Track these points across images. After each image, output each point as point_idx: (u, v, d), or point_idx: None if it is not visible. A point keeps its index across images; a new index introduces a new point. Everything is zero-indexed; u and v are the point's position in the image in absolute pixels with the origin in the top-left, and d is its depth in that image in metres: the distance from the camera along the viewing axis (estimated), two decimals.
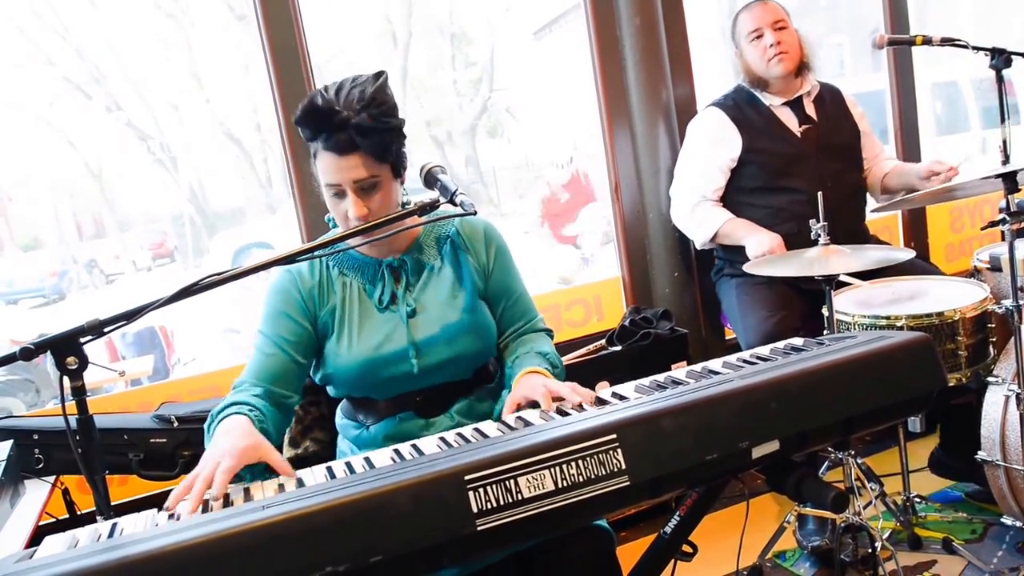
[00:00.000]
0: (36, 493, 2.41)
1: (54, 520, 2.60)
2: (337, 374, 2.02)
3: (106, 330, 1.56)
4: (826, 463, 3.07)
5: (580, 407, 1.70)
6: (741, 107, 3.28)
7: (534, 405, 1.81)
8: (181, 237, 8.80)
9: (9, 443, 2.36)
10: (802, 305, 3.07)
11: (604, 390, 1.83)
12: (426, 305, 2.03)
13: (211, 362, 6.19)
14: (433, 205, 1.81)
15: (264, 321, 2.01)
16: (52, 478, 2.52)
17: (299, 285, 2.02)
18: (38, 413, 3.01)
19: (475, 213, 1.77)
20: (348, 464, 1.62)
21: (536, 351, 2.07)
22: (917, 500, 3.00)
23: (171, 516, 1.50)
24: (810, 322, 2.99)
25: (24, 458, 2.51)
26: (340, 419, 2.17)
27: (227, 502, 1.53)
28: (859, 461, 2.73)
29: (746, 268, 2.67)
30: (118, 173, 8.03)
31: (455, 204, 1.79)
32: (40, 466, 2.55)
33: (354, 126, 1.82)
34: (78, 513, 2.65)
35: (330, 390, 2.11)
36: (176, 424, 2.64)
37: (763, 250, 3.01)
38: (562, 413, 1.70)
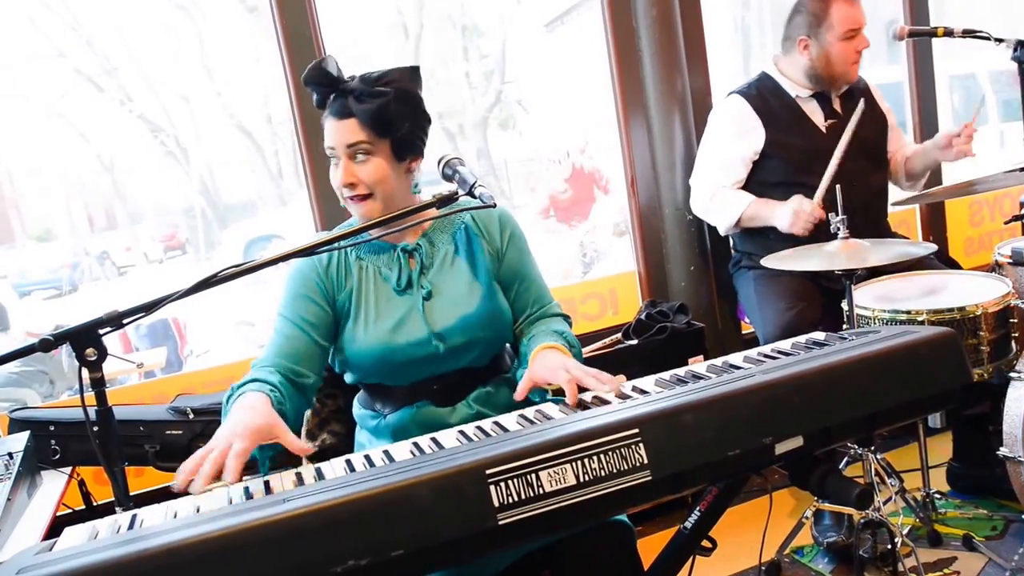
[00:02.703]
0: (53, 484, 2.40)
1: (71, 511, 2.60)
2: (355, 357, 2.02)
3: (125, 322, 1.56)
4: (845, 459, 3.05)
5: (601, 401, 1.69)
6: (765, 97, 3.22)
7: (558, 394, 1.80)
8: (192, 229, 8.81)
9: (26, 434, 2.36)
10: (821, 298, 3.05)
11: (641, 379, 1.82)
12: (442, 288, 2.04)
13: (224, 355, 6.19)
14: (452, 197, 1.81)
15: (284, 303, 2.03)
16: (68, 469, 2.52)
17: (318, 268, 2.04)
18: (54, 404, 3.02)
19: (495, 206, 1.77)
20: (367, 457, 1.61)
21: (552, 329, 2.06)
22: (937, 496, 2.98)
23: (181, 495, 1.52)
24: (829, 315, 2.96)
25: (41, 449, 2.51)
26: (357, 410, 2.16)
27: (248, 494, 1.52)
28: (879, 457, 2.71)
29: (764, 262, 2.64)
30: (130, 165, 8.04)
31: (474, 196, 1.79)
32: (56, 457, 2.55)
33: (352, 91, 1.91)
34: (94, 504, 2.65)
35: (347, 377, 2.11)
36: (192, 416, 2.64)
37: (790, 219, 2.97)
38: (583, 407, 1.68)
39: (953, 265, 3.28)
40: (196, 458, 1.56)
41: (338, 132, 1.93)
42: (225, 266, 1.62)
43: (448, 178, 1.90)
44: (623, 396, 1.70)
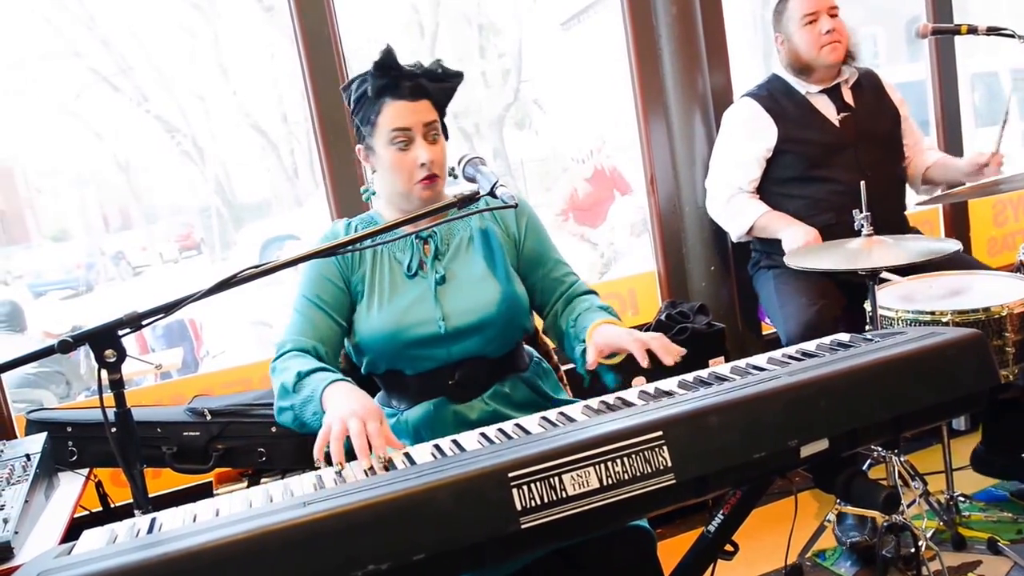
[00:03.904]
0: (70, 486, 2.40)
1: (88, 513, 2.59)
2: (366, 339, 2.02)
3: (144, 323, 1.55)
4: (868, 461, 3.02)
5: (624, 402, 1.67)
6: (776, 97, 3.21)
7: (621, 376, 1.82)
8: (208, 229, 8.82)
9: (43, 436, 2.36)
10: (841, 297, 3.01)
11: (640, 386, 1.80)
12: (456, 273, 2.06)
13: (240, 355, 6.19)
14: (473, 197, 1.81)
15: (304, 285, 2.06)
16: (86, 471, 2.52)
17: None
18: (71, 405, 3.01)
19: (516, 206, 1.76)
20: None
21: (598, 306, 2.07)
22: (961, 499, 2.95)
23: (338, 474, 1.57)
24: (850, 315, 2.93)
25: (58, 451, 2.51)
26: None
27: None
28: (902, 459, 2.68)
29: (786, 261, 2.62)
30: (145, 165, 8.06)
31: (495, 196, 1.78)
32: (74, 459, 2.55)
33: (425, 72, 1.99)
34: (112, 506, 2.64)
35: (362, 367, 2.11)
36: (209, 417, 2.63)
37: (799, 244, 2.95)
38: (609, 408, 1.66)
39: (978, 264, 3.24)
40: (336, 440, 1.59)
41: (414, 112, 1.97)
42: (245, 267, 1.60)
43: (469, 178, 1.90)
44: (646, 397, 1.68)
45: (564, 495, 1.34)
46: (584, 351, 1.92)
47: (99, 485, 2.60)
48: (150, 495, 2.92)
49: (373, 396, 2.18)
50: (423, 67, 2.00)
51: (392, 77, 1.97)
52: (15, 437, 2.87)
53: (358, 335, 2.04)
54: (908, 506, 2.57)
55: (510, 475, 1.33)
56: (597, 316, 1.99)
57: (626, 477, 1.37)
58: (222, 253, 8.59)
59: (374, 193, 2.15)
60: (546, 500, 1.33)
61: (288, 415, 1.89)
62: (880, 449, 2.62)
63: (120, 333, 1.52)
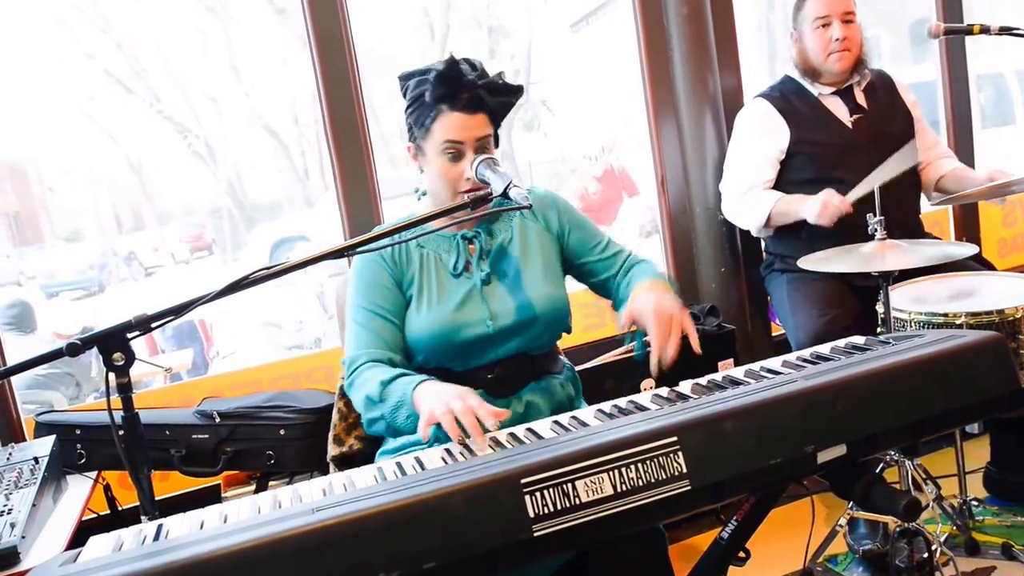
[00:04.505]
0: (78, 489, 2.40)
1: (96, 516, 2.59)
2: (418, 339, 2.04)
3: (153, 325, 1.53)
4: (881, 465, 2.99)
5: (638, 406, 1.65)
6: (788, 98, 3.19)
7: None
8: (219, 230, 8.84)
9: (51, 439, 2.35)
10: (854, 302, 2.98)
11: (649, 391, 1.79)
12: (500, 273, 2.09)
13: (250, 356, 6.20)
14: (486, 198, 1.80)
15: (361, 295, 2.07)
16: (94, 474, 2.51)
17: (383, 255, 2.08)
18: (80, 408, 3.01)
19: (530, 207, 1.75)
20: (399, 464, 1.58)
21: (651, 273, 2.10)
22: (974, 503, 2.91)
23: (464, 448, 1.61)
24: (862, 319, 2.90)
25: (66, 453, 2.51)
26: None
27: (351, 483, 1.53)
28: (915, 462, 2.65)
29: (801, 263, 2.59)
30: (157, 166, 8.07)
31: (508, 197, 1.77)
32: (82, 461, 2.55)
33: (484, 86, 1.97)
34: (119, 509, 2.64)
35: (412, 363, 2.11)
36: (218, 420, 2.62)
37: (819, 210, 2.89)
38: (622, 412, 1.64)
39: (987, 266, 3.21)
40: (446, 421, 1.63)
41: (469, 126, 1.97)
42: (256, 268, 1.58)
43: (482, 178, 1.89)
44: (660, 401, 1.66)
45: (578, 502, 1.32)
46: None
47: (107, 488, 2.60)
48: (158, 497, 2.93)
49: None
50: (486, 76, 1.99)
51: (450, 88, 1.96)
52: (24, 439, 2.87)
53: (410, 335, 2.05)
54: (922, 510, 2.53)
55: (523, 481, 1.31)
56: (643, 279, 2.03)
57: (641, 483, 1.36)
58: (233, 254, 8.60)
59: (424, 193, 2.16)
60: (559, 507, 1.31)
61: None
62: (893, 453, 2.59)
63: (129, 336, 1.51)
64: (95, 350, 1.50)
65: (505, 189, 1.78)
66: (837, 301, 2.97)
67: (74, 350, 1.47)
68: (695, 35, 3.45)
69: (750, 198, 3.19)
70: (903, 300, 2.69)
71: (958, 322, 2.49)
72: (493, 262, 2.10)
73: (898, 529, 2.49)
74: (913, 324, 2.55)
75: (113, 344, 1.49)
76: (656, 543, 1.82)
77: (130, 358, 1.51)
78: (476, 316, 2.02)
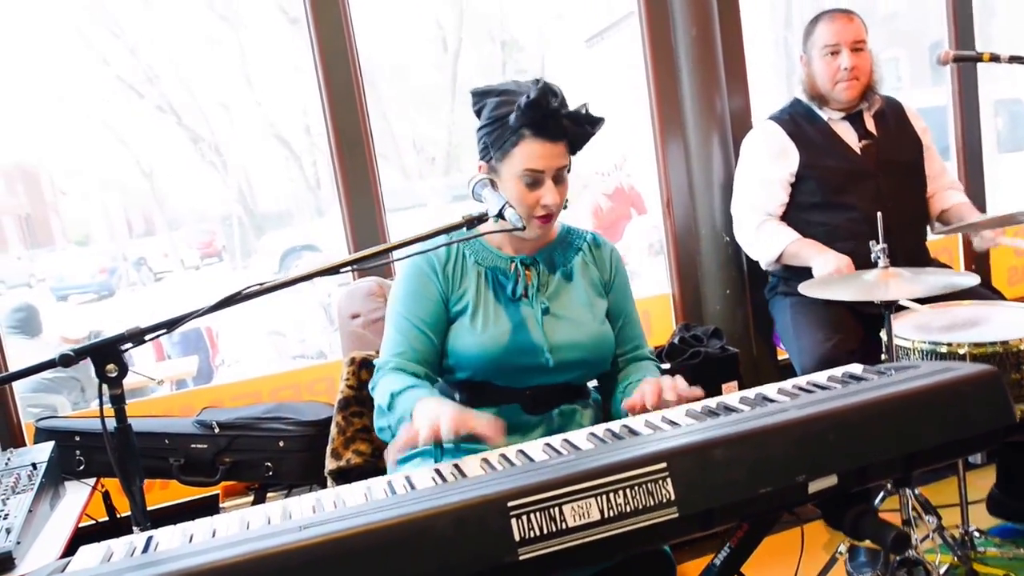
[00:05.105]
0: (76, 495, 2.40)
1: (95, 522, 2.59)
2: (469, 355, 2.05)
3: (146, 338, 1.54)
4: (881, 493, 2.97)
5: (630, 431, 1.65)
6: (798, 122, 3.19)
7: None
8: (229, 237, 8.88)
9: (50, 445, 2.36)
10: (859, 328, 2.97)
11: (670, 409, 1.80)
12: (560, 305, 2.10)
13: (255, 366, 6.21)
14: (481, 219, 1.80)
15: (403, 303, 2.09)
16: (92, 480, 2.52)
17: (435, 266, 2.09)
18: (80, 414, 3.02)
19: (523, 228, 1.77)
20: (390, 484, 1.58)
21: (654, 373, 2.12)
22: (976, 534, 2.89)
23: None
24: (867, 345, 2.89)
25: (65, 459, 2.51)
26: None
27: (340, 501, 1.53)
28: (916, 492, 2.63)
29: (801, 289, 2.58)
30: (168, 172, 8.12)
31: (503, 218, 1.77)
32: (81, 468, 2.56)
33: (569, 115, 1.97)
34: (118, 516, 2.64)
35: (453, 377, 2.13)
36: (217, 430, 2.63)
37: (830, 270, 2.91)
38: (615, 437, 1.64)
39: (996, 295, 3.20)
40: (407, 435, 1.71)
41: (550, 156, 1.98)
42: (249, 284, 1.59)
43: (479, 198, 1.89)
44: (653, 427, 1.66)
45: (564, 526, 1.31)
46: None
47: (107, 495, 2.60)
48: (159, 506, 2.95)
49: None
50: (566, 106, 1.98)
51: (537, 115, 1.95)
52: (24, 444, 2.88)
53: (459, 351, 2.06)
54: (921, 540, 2.52)
55: (509, 504, 1.30)
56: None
57: (628, 509, 1.35)
58: (243, 261, 8.64)
59: (500, 215, 2.14)
60: (546, 531, 1.30)
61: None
62: (894, 487, 2.57)
63: (122, 348, 1.52)
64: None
65: (500, 210, 1.78)
66: (841, 326, 2.96)
67: (67, 360, 1.48)
68: (703, 57, 3.45)
69: (766, 231, 3.19)
70: (907, 328, 2.68)
71: (961, 352, 2.47)
72: (554, 294, 2.11)
73: (898, 559, 2.48)
74: (916, 353, 2.54)
75: (106, 356, 1.50)
76: (665, 567, 1.84)
77: (123, 370, 1.52)
78: (534, 345, 2.04)
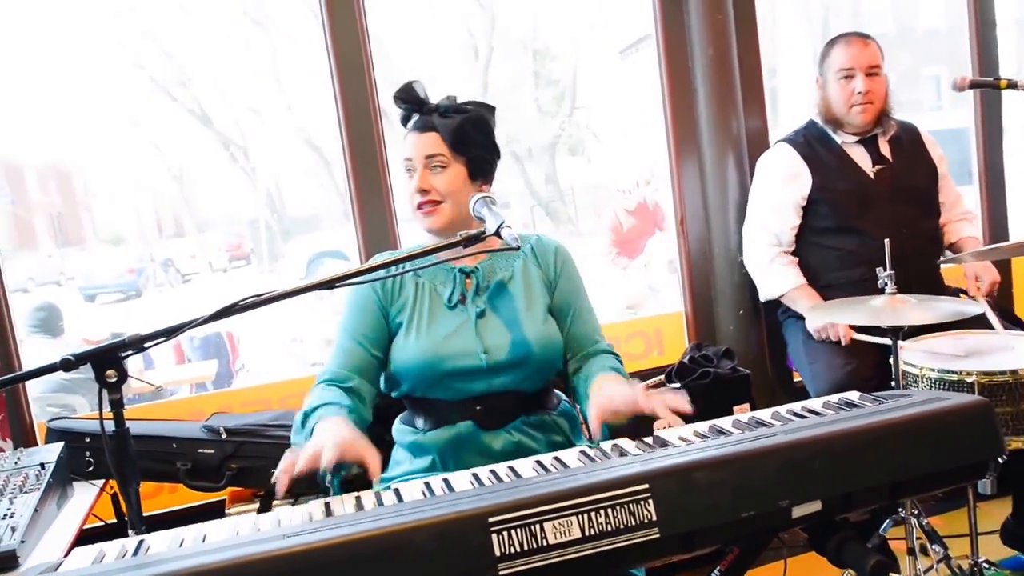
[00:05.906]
0: (84, 496, 2.42)
1: (103, 524, 2.62)
2: (403, 367, 2.07)
3: (146, 345, 1.57)
4: (888, 520, 2.95)
5: (620, 451, 1.66)
6: (812, 144, 3.18)
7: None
8: (257, 241, 8.94)
9: (60, 445, 2.39)
10: (874, 353, 2.95)
11: (663, 431, 1.80)
12: (496, 308, 2.11)
13: (273, 372, 6.26)
14: (479, 237, 1.81)
15: (346, 318, 2.14)
16: (101, 482, 2.55)
17: (375, 283, 2.13)
18: (91, 415, 3.06)
19: (518, 248, 1.79)
20: (377, 495, 1.61)
21: (608, 366, 2.10)
22: (985, 566, 2.86)
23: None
24: (883, 370, 2.87)
25: (75, 460, 2.54)
26: (398, 425, 2.20)
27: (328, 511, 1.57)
28: (924, 521, 2.61)
29: (809, 315, 2.58)
30: (199, 174, 8.20)
31: (500, 237, 1.79)
32: (90, 469, 2.58)
33: (436, 109, 2.10)
34: (126, 518, 2.67)
35: (394, 392, 2.16)
36: (224, 436, 2.65)
37: (818, 327, 2.98)
38: (605, 456, 1.66)
39: (1015, 323, 3.16)
40: (286, 464, 1.66)
41: (418, 144, 2.09)
42: (247, 296, 1.62)
43: (479, 216, 1.92)
44: (642, 447, 1.67)
45: (544, 543, 1.33)
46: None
47: (115, 497, 2.63)
48: (167, 510, 2.98)
49: (397, 415, 2.23)
50: (434, 103, 2.13)
51: (406, 110, 2.14)
52: (36, 444, 2.92)
53: (396, 363, 2.09)
54: (926, 571, 2.50)
55: (491, 520, 1.32)
56: (601, 373, 2.04)
57: (609, 529, 1.36)
58: (270, 265, 8.70)
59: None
60: (526, 547, 1.32)
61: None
62: (901, 510, 2.56)
63: (122, 355, 1.55)
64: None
65: (498, 229, 1.80)
66: (856, 351, 2.94)
67: (68, 365, 1.51)
68: (720, 77, 3.45)
69: (775, 269, 3.20)
70: (917, 355, 2.65)
71: (969, 380, 2.45)
72: (491, 298, 2.12)
73: None
74: (924, 380, 2.52)
75: (107, 361, 1.54)
76: None
77: (122, 376, 1.56)
78: (467, 348, 2.04)
